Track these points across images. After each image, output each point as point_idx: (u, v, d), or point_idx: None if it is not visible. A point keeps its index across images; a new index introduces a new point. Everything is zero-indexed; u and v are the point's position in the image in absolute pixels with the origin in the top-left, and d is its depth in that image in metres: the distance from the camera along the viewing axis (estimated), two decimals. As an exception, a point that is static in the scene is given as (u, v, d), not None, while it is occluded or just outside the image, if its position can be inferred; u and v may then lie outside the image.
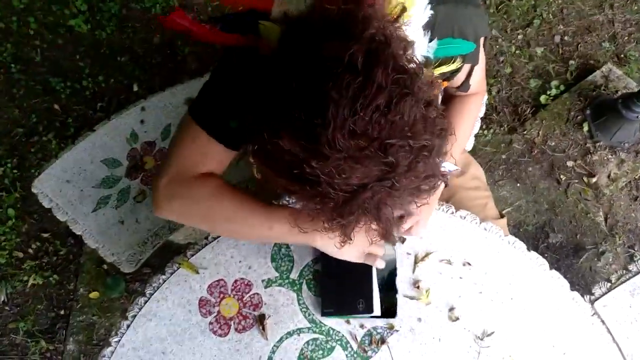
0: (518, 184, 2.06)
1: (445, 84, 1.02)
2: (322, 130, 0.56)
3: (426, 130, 0.62)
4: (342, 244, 0.75)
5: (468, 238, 1.15)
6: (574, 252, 1.93)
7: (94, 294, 1.85)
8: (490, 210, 1.33)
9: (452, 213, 1.18)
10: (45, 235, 1.96)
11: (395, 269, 1.11)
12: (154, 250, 1.48)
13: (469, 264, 1.13)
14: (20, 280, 1.90)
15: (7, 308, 1.88)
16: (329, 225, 0.67)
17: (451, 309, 1.10)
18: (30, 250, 1.94)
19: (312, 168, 0.57)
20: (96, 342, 1.80)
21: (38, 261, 1.93)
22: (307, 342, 1.08)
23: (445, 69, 0.91)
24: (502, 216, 1.34)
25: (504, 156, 2.10)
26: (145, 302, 1.11)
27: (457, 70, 0.96)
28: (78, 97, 2.14)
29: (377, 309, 1.04)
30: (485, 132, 2.13)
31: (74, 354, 1.80)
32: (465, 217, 1.17)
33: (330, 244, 0.91)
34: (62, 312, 1.87)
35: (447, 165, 1.14)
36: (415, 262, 1.14)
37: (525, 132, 2.11)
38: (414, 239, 1.15)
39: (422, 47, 0.84)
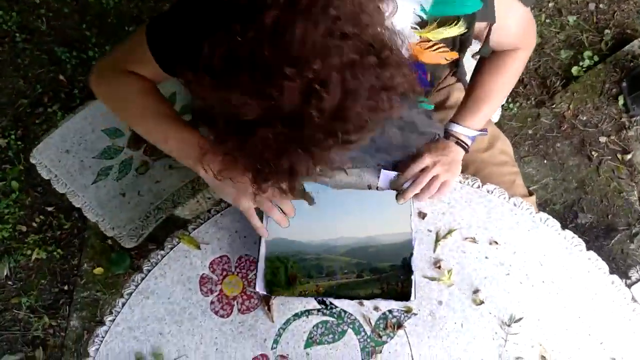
0: (545, 161, 1.93)
1: (455, 55, 0.90)
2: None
3: (324, 60, 0.54)
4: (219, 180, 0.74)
5: (495, 214, 1.05)
6: (604, 234, 1.81)
7: (98, 270, 1.78)
8: (518, 187, 1.21)
9: (479, 187, 1.07)
10: (50, 208, 1.89)
11: (411, 247, 1.01)
12: (157, 224, 1.40)
13: (496, 242, 1.03)
14: (23, 254, 1.84)
15: (10, 282, 1.83)
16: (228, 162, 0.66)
17: (475, 292, 1.00)
18: (34, 224, 1.88)
19: (210, 99, 0.58)
20: (100, 319, 1.73)
21: (42, 235, 1.86)
22: (317, 325, 0.99)
23: (446, 32, 0.79)
24: (530, 194, 1.22)
25: (530, 131, 1.97)
26: (143, 278, 1.02)
27: (467, 33, 0.84)
28: (84, 67, 2.06)
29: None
30: (511, 105, 2.00)
31: (78, 330, 1.75)
32: (492, 192, 1.06)
33: (209, 177, 0.87)
34: (65, 288, 1.81)
35: (464, 131, 1.03)
36: (437, 240, 1.03)
37: (554, 106, 1.98)
38: (435, 214, 1.05)
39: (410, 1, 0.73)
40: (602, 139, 1.91)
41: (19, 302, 1.81)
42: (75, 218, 1.88)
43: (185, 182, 1.38)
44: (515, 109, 1.99)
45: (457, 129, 1.05)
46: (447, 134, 1.06)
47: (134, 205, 1.37)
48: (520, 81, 2.04)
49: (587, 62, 2.02)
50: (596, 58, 2.02)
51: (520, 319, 0.98)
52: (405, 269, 1.00)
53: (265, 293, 1.00)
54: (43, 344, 1.76)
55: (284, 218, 0.98)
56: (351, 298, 0.99)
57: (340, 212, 1.04)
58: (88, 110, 1.42)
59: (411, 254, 1.01)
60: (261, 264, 1.00)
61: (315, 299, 1.00)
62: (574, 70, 2.01)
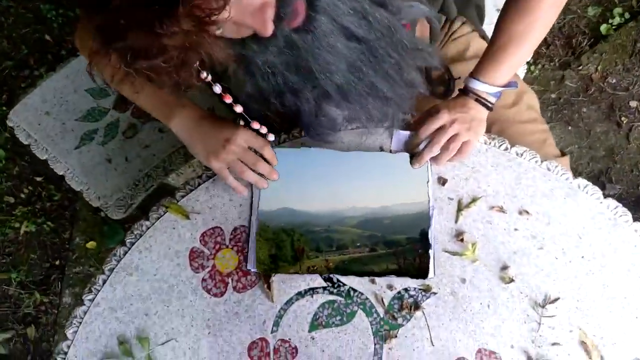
0: (570, 127, 1.78)
1: None
2: None
3: None
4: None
5: (526, 180, 0.91)
6: (635, 206, 1.67)
7: (90, 244, 1.67)
8: (549, 147, 1.07)
9: (507, 149, 0.93)
10: (38, 178, 1.78)
11: (429, 218, 0.88)
12: (147, 194, 1.27)
13: (527, 212, 0.89)
14: (11, 227, 1.73)
15: (-3, 257, 1.73)
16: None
17: (504, 268, 0.87)
18: (22, 195, 1.77)
19: None
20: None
21: (31, 207, 1.75)
22: (323, 306, 0.87)
23: None
24: (563, 154, 1.08)
25: (554, 95, 1.82)
26: (125, 252, 0.91)
27: None
28: (71, 26, 1.91)
29: None
30: (532, 67, 1.84)
31: (70, 307, 1.65)
32: (522, 154, 0.93)
33: (183, 133, 0.88)
34: (57, 263, 1.70)
35: (485, 88, 0.89)
36: (459, 210, 0.90)
37: (580, 68, 1.82)
38: (456, 179, 0.91)
39: None
40: (633, 103, 1.76)
41: (8, 278, 1.71)
42: (65, 189, 1.76)
43: (177, 147, 1.26)
44: (537, 72, 1.84)
45: (477, 85, 0.91)
46: (467, 91, 0.91)
47: (121, 172, 1.25)
48: (543, 41, 1.88)
49: (617, 20, 1.85)
50: (627, 15, 1.85)
51: (557, 299, 0.85)
52: (424, 242, 0.87)
53: (255, 270, 0.88)
54: (35, 321, 1.67)
55: (262, 179, 0.89)
56: (364, 274, 0.88)
57: (351, 178, 0.91)
58: (70, 68, 1.29)
59: (429, 225, 0.89)
60: (252, 238, 0.88)
61: (322, 276, 0.88)
62: (603, 28, 1.85)
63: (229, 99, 0.83)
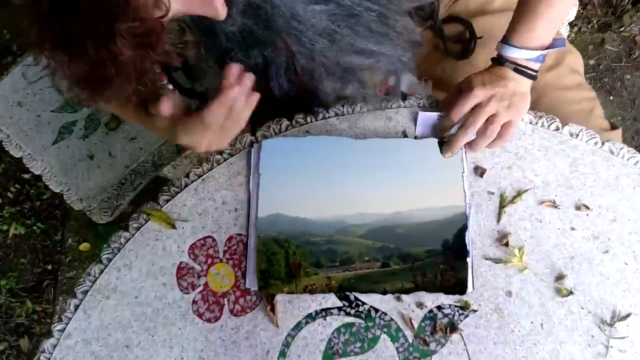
0: (612, 97, 1.60)
1: None
2: None
3: None
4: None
5: (583, 167, 0.75)
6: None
7: (84, 246, 1.54)
8: (597, 118, 0.91)
9: (558, 129, 0.76)
10: (26, 176, 1.64)
11: (465, 218, 0.72)
12: (137, 193, 1.13)
13: (586, 207, 0.73)
14: (-1, 230, 1.61)
15: (-15, 263, 1.61)
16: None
17: (560, 278, 0.71)
18: (10, 195, 1.64)
19: None
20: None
21: (19, 207, 1.63)
22: (338, 330, 0.72)
23: None
24: (613, 127, 0.91)
25: (592, 61, 1.64)
26: (101, 271, 0.76)
27: None
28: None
29: None
30: (568, 31, 1.64)
31: (65, 316, 1.52)
32: (578, 134, 0.76)
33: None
34: (49, 267, 1.58)
35: (521, 54, 0.72)
36: (502, 206, 0.74)
37: (622, 30, 1.63)
38: (497, 169, 0.75)
39: None
40: (684, 67, 1.57)
41: (-2, 285, 1.59)
42: (55, 186, 1.63)
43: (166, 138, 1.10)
44: (573, 35, 1.65)
45: (512, 52, 0.74)
46: (501, 60, 0.75)
47: (105, 169, 1.10)
48: (580, 1, 1.68)
49: (663, -28, 1.64)
50: (675, -34, 1.64)
51: (628, 315, 0.69)
52: (449, 254, 0.72)
53: (256, 289, 0.73)
54: (28, 332, 1.55)
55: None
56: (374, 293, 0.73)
57: (364, 173, 0.76)
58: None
59: (466, 227, 0.73)
60: (252, 249, 0.74)
61: (336, 294, 0.73)
62: (648, -18, 1.64)
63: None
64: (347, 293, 0.73)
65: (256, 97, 0.67)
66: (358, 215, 0.75)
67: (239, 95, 0.64)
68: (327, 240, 0.75)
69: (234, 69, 0.64)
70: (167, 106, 0.63)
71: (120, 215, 1.16)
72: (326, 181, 0.76)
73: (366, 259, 0.74)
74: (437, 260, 0.72)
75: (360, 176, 0.76)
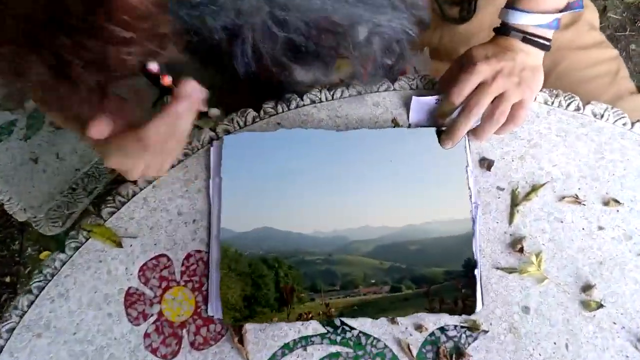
0: (617, 70, 1.47)
1: None
2: None
3: None
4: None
5: (610, 152, 0.63)
6: None
7: (45, 254, 1.40)
8: (624, 80, 0.79)
9: (578, 108, 0.64)
10: (-21, 180, 1.49)
11: (471, 221, 0.60)
12: (94, 199, 0.99)
13: (616, 201, 0.62)
14: (-49, 241, 1.47)
15: (-64, 279, 1.46)
16: None
17: (587, 288, 0.60)
18: (-40, 202, 1.49)
19: None
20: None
21: (-29, 215, 1.48)
22: (322, 363, 0.60)
23: None
24: (640, 91, 0.80)
25: (595, 31, 1.49)
26: (31, 303, 0.63)
27: None
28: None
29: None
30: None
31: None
32: (602, 115, 0.64)
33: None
34: (7, 280, 1.44)
35: (530, 19, 0.60)
36: (514, 204, 0.62)
37: (625, -6, 1.50)
38: (507, 160, 0.63)
39: None
40: (695, 34, 1.45)
41: (-48, 301, 1.45)
42: (11, 190, 1.49)
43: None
44: (573, 3, 1.51)
45: (519, 18, 0.62)
46: (507, 29, 0.62)
47: (51, 174, 0.96)
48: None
49: None
50: None
51: (672, 333, 0.58)
52: (471, 274, 0.60)
53: (219, 318, 0.61)
54: (-12, 351, 1.41)
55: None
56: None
57: (352, 172, 0.63)
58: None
59: (472, 232, 0.61)
60: (214, 268, 0.61)
61: (321, 322, 0.61)
62: (652, -58, 1.52)
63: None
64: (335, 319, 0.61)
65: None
66: (362, 229, 0.62)
67: (187, 112, 0.51)
68: (325, 259, 0.62)
69: (189, 83, 0.50)
70: (97, 130, 0.49)
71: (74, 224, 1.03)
72: (316, 184, 0.63)
73: (372, 281, 0.62)
74: (458, 283, 0.60)
75: (354, 177, 0.63)
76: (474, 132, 0.63)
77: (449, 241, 0.62)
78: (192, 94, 0.50)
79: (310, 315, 0.61)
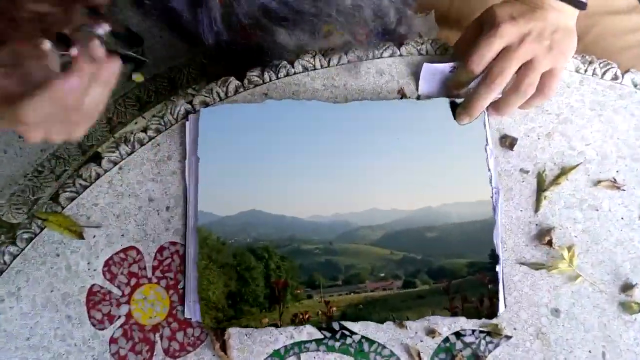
0: None
1: None
2: None
3: None
4: None
5: (655, 131, 0.54)
6: None
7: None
8: None
9: (615, 78, 0.55)
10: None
11: (491, 208, 0.52)
12: (64, 181, 0.90)
13: (659, 186, 0.53)
14: None
15: None
16: None
17: (626, 288, 0.52)
18: None
19: None
20: None
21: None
22: (318, 375, 0.51)
23: None
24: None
25: None
26: (-23, 303, 0.54)
27: None
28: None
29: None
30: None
31: None
32: (643, 87, 0.55)
33: None
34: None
35: None
36: (541, 189, 0.54)
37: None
38: (533, 138, 0.55)
39: None
40: None
41: None
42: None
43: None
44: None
45: None
46: None
47: (13, 156, 0.86)
48: None
49: None
50: None
51: None
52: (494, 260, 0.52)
53: (198, 320, 0.52)
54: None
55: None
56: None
57: (358, 150, 0.55)
58: None
59: (493, 222, 0.52)
60: (191, 264, 0.53)
61: (318, 325, 0.52)
62: None
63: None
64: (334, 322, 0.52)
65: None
66: (369, 212, 0.53)
67: (94, 86, 0.43)
68: (324, 248, 0.54)
69: (96, 49, 0.43)
70: None
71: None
72: (304, 162, 0.54)
73: (381, 275, 0.54)
74: (484, 277, 0.52)
75: (358, 155, 0.54)
76: (494, 106, 0.54)
77: (473, 227, 0.54)
78: (102, 68, 0.43)
79: (308, 316, 0.53)
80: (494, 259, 0.52)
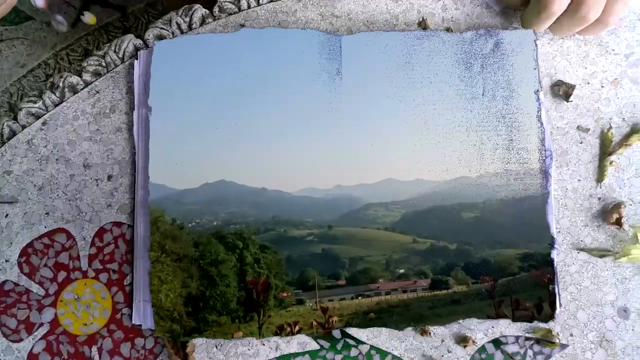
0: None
1: None
2: None
3: None
4: None
5: None
6: None
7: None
8: None
9: (699, 10, 0.43)
10: None
11: (543, 176, 0.40)
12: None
13: None
14: None
15: None
16: None
17: None
18: None
19: None
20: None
21: None
22: (313, 400, 0.39)
23: None
24: None
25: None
26: None
27: None
28: None
29: None
30: None
31: None
32: None
33: None
34: None
35: None
36: (605, 153, 0.42)
37: None
38: (593, 84, 0.42)
39: None
40: None
41: None
42: None
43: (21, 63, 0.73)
44: None
45: None
46: None
47: None
48: None
49: None
50: None
51: None
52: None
53: (151, 328, 0.39)
54: None
55: None
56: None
57: (366, 100, 0.42)
58: None
59: (547, 192, 0.40)
60: (140, 252, 0.39)
61: (313, 335, 0.40)
62: None
63: None
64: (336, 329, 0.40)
65: None
66: (381, 186, 0.40)
67: None
68: (321, 235, 0.41)
69: None
70: None
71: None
72: (291, 117, 0.41)
73: (400, 272, 0.41)
74: (543, 275, 0.40)
75: (358, 106, 0.41)
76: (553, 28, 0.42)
77: (526, 204, 0.41)
78: None
79: (297, 328, 0.40)
80: (552, 244, 0.40)
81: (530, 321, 0.40)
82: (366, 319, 0.40)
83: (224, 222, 0.41)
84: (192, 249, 0.40)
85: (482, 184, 0.40)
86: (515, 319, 0.40)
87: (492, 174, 0.40)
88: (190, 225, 0.41)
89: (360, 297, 0.40)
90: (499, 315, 0.40)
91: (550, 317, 0.40)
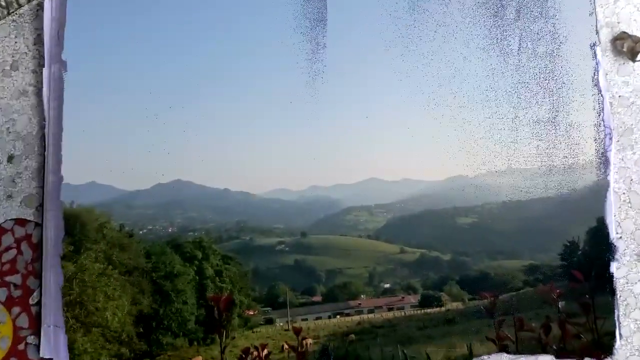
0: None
1: None
2: None
3: None
4: None
5: None
6: None
7: None
8: None
9: None
10: None
11: (605, 175, 0.31)
12: None
13: None
14: None
15: None
16: None
17: None
18: None
19: None
20: None
21: None
22: None
23: None
24: None
25: None
26: None
27: None
28: None
29: None
30: None
31: None
32: None
33: None
34: None
35: None
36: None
37: None
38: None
39: None
40: None
41: None
42: None
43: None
44: None
45: None
46: None
47: None
48: None
49: None
50: None
51: None
52: (602, 273, 0.32)
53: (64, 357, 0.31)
54: None
55: None
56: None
57: (350, 72, 0.36)
58: None
59: (606, 173, 0.32)
60: (50, 259, 0.30)
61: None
62: None
63: None
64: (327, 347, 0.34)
65: None
66: (363, 187, 0.35)
67: None
68: (294, 243, 0.37)
69: None
70: None
71: None
72: (259, 99, 0.35)
73: (386, 286, 0.38)
74: (551, 290, 0.34)
75: (341, 81, 0.34)
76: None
77: (539, 205, 0.34)
78: None
79: (266, 352, 0.36)
80: (575, 256, 0.33)
81: (577, 352, 0.31)
82: (345, 342, 0.35)
83: (181, 229, 0.37)
84: (143, 260, 0.36)
85: (482, 185, 0.34)
86: (521, 348, 0.32)
87: (495, 172, 0.33)
88: (141, 232, 0.37)
89: (338, 316, 0.37)
90: (500, 337, 0.33)
91: (607, 350, 0.31)
